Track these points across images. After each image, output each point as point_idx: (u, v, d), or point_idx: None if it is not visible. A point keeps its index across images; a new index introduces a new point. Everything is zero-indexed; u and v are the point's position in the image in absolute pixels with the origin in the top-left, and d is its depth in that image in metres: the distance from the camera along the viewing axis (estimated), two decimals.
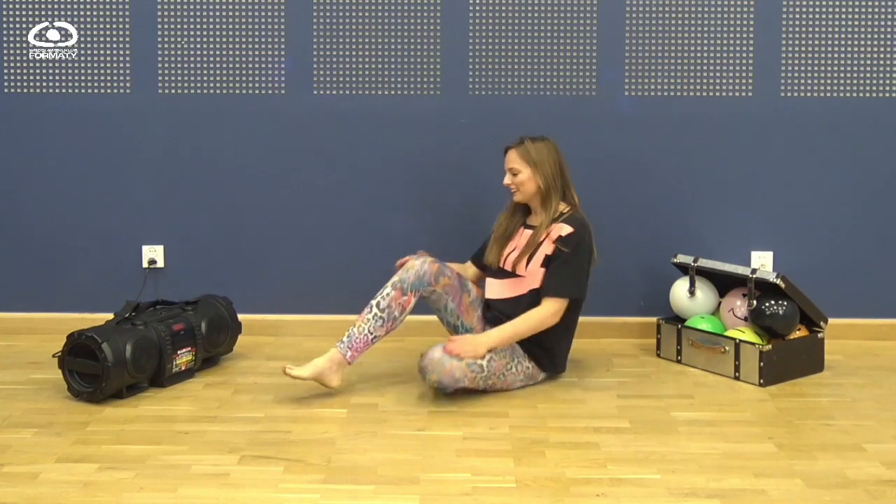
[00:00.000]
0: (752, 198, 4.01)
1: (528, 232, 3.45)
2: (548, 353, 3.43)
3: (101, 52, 3.98)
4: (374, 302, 3.33)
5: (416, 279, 3.34)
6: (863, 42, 3.93)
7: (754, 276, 3.58)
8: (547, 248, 3.36)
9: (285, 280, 4.09)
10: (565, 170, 3.44)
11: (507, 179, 3.46)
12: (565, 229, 3.35)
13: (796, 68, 3.94)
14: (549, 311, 3.32)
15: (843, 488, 2.62)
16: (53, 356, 3.31)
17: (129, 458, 2.79)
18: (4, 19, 3.97)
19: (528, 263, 3.38)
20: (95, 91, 4.00)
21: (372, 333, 3.31)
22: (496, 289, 3.46)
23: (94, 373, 3.21)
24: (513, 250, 3.46)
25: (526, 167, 3.41)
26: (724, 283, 3.77)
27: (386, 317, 3.31)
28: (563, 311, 3.35)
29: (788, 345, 3.55)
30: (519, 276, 3.39)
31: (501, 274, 3.46)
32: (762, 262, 4.00)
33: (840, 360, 3.76)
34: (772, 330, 3.56)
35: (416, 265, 3.36)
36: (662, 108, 3.97)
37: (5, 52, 3.99)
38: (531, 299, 3.37)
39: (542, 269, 3.36)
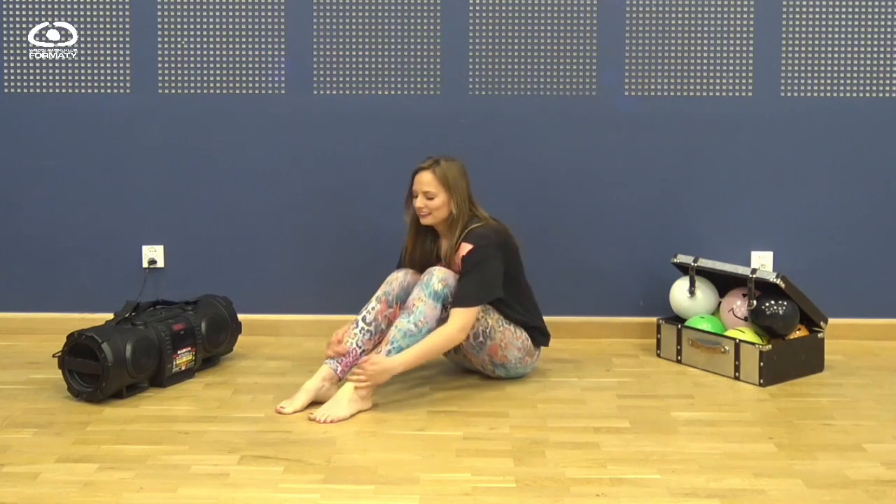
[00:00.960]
0: (752, 198, 4.01)
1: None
2: (538, 329, 3.47)
3: (101, 52, 3.98)
4: (360, 317, 3.36)
5: (400, 290, 3.38)
6: (863, 42, 3.93)
7: (754, 276, 3.58)
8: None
9: (285, 280, 4.09)
10: (471, 191, 3.40)
11: (420, 202, 3.35)
12: (465, 248, 3.31)
13: (796, 68, 3.94)
14: (455, 326, 3.23)
15: (843, 488, 2.62)
16: (53, 356, 3.30)
17: (129, 458, 2.79)
18: (4, 19, 3.97)
19: None
20: (95, 91, 4.00)
21: (361, 347, 3.32)
22: None
23: (94, 373, 3.21)
24: None
25: (442, 192, 3.34)
26: (724, 283, 3.77)
27: (373, 330, 3.34)
28: (472, 324, 3.28)
29: (788, 345, 3.55)
30: None
31: None
32: (762, 262, 4.00)
33: (840, 360, 3.76)
34: (772, 330, 3.56)
35: (399, 277, 3.41)
36: (662, 108, 3.97)
37: (5, 52, 3.99)
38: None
39: None
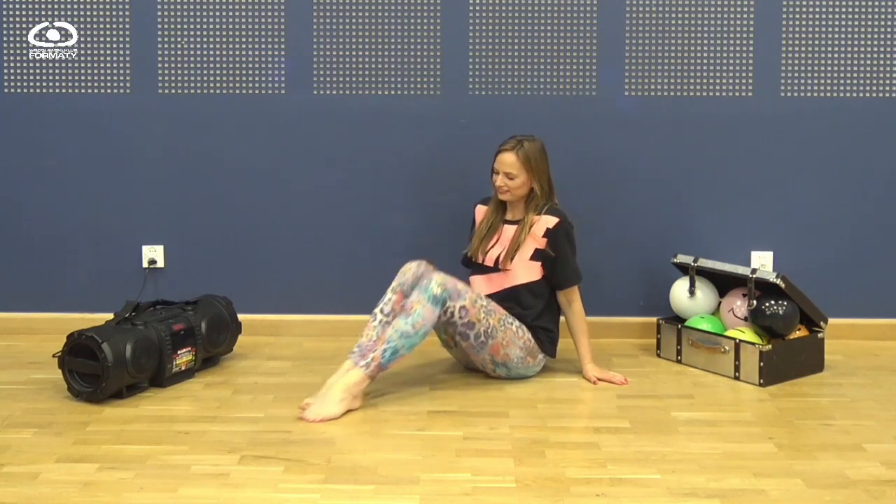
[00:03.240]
0: (752, 198, 4.01)
1: (510, 228, 3.52)
2: (548, 333, 3.51)
3: (101, 52, 3.98)
4: (377, 310, 3.39)
5: (413, 280, 3.39)
6: (863, 42, 3.93)
7: (754, 276, 3.58)
8: (536, 242, 3.44)
9: (285, 280, 4.09)
10: (551, 170, 3.53)
11: (500, 181, 3.48)
12: (551, 221, 3.45)
13: (796, 68, 3.94)
14: (581, 304, 3.52)
15: (843, 488, 2.62)
16: (53, 356, 3.30)
17: (129, 458, 2.79)
18: (4, 19, 3.97)
19: (513, 259, 3.45)
20: (95, 91, 4.00)
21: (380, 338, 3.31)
22: (481, 284, 3.53)
23: (94, 373, 3.21)
24: (494, 244, 3.52)
25: (524, 172, 3.47)
26: (724, 283, 3.77)
27: (391, 320, 3.34)
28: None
29: (788, 345, 3.55)
30: (503, 270, 3.47)
31: (484, 269, 3.53)
32: (762, 262, 4.00)
33: (840, 360, 3.76)
34: (772, 330, 3.56)
35: (413, 267, 3.43)
36: (662, 108, 3.97)
37: (5, 52, 3.99)
38: (516, 292, 3.46)
39: (533, 263, 3.45)
